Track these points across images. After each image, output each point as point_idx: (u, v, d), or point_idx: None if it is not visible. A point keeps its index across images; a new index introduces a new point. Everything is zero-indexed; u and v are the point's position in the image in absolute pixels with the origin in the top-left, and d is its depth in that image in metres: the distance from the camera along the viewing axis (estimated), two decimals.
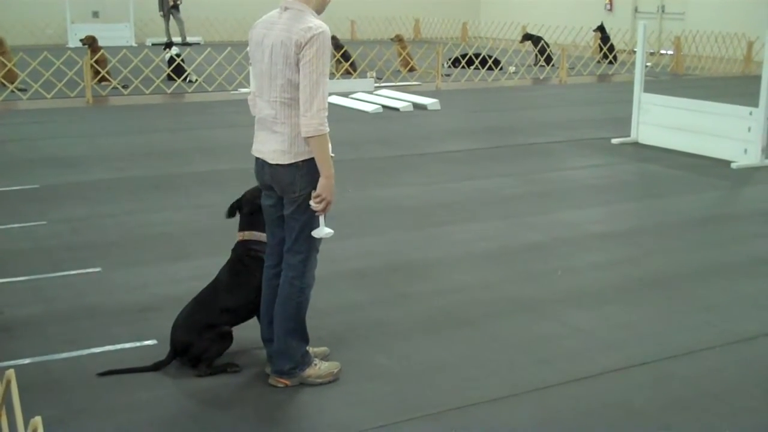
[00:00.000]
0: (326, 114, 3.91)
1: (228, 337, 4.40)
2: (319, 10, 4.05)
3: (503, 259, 6.30)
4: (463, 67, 18.46)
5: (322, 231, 4.07)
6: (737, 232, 7.06)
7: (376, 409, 4.07)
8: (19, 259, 6.20)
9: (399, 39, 18.52)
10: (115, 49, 16.12)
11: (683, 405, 4.13)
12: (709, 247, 6.65)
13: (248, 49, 4.18)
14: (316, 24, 3.89)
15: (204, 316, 4.39)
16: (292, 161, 4.00)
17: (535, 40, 20.24)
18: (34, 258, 6.22)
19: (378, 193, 8.22)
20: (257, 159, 4.18)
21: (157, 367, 4.39)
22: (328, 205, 4.00)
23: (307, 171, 4.00)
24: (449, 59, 18.95)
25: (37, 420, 2.68)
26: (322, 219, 4.08)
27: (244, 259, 4.47)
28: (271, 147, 4.05)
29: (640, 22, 11.33)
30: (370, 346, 4.75)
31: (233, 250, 4.55)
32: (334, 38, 17.95)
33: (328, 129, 3.94)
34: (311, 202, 3.99)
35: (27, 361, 4.52)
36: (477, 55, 18.52)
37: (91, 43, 15.45)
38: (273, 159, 4.04)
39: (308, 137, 3.90)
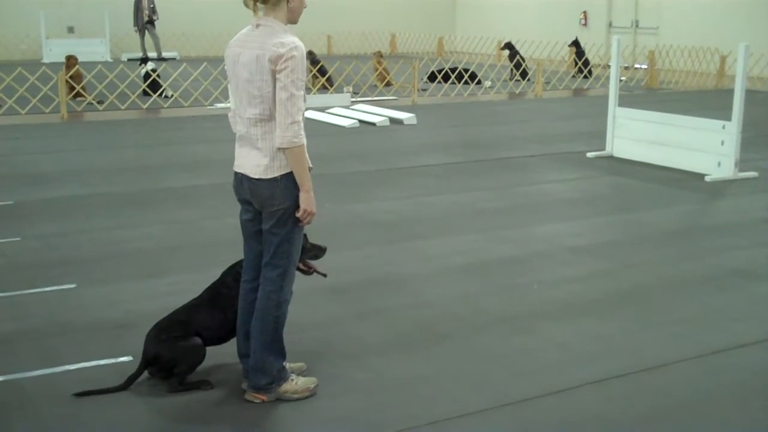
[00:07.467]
0: (300, 127, 3.95)
1: (200, 350, 4.36)
2: (292, 21, 4.08)
3: (479, 273, 6.32)
4: (439, 81, 18.55)
5: None
6: (711, 245, 7.12)
7: (354, 424, 4.06)
8: None
9: (379, 55, 18.72)
10: (90, 65, 16.04)
11: (658, 417, 4.16)
12: (684, 260, 6.70)
13: (225, 67, 4.21)
14: (290, 39, 3.94)
15: (178, 328, 4.37)
16: (274, 175, 4.03)
17: (512, 53, 20.32)
18: (8, 275, 6.17)
19: (354, 208, 8.22)
20: (236, 174, 4.19)
21: (128, 382, 4.34)
22: (311, 217, 4.08)
23: (286, 185, 4.03)
24: (426, 74, 19.04)
25: None
26: None
27: (227, 280, 4.48)
28: (254, 162, 4.08)
29: (615, 37, 11.41)
30: (346, 361, 4.74)
31: (223, 272, 4.57)
32: (310, 53, 17.99)
33: (303, 141, 3.98)
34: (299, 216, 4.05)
35: (0, 378, 4.48)
36: (453, 70, 18.62)
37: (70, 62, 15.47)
38: (255, 174, 4.07)
39: (283, 148, 3.96)
